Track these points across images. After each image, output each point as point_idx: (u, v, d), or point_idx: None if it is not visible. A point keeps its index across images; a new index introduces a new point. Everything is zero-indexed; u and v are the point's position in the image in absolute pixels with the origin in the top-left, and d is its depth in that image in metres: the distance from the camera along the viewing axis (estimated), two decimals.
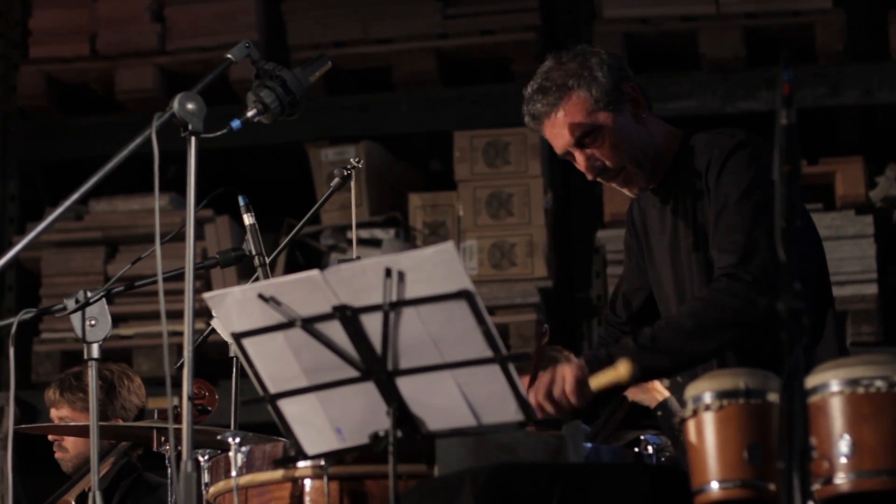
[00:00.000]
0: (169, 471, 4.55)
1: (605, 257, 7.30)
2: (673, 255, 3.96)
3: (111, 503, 5.47)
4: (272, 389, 3.36)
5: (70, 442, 5.57)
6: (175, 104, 3.43)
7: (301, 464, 3.46)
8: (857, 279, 7.04)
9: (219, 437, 3.63)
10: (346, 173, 4.51)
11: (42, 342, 7.57)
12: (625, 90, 3.90)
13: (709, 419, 3.07)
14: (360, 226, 7.47)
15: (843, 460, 2.94)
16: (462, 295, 3.15)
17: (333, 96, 7.75)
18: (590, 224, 7.42)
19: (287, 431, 3.40)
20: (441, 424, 3.30)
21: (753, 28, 7.38)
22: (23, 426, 5.09)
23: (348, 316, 3.21)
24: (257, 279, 4.29)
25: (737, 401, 3.06)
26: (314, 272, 3.20)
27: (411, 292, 3.17)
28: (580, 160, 3.94)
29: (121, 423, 5.47)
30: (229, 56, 3.66)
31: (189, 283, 3.35)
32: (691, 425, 3.10)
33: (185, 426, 3.29)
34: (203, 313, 5.79)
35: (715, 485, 3.05)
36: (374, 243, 7.45)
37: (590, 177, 3.96)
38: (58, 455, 5.61)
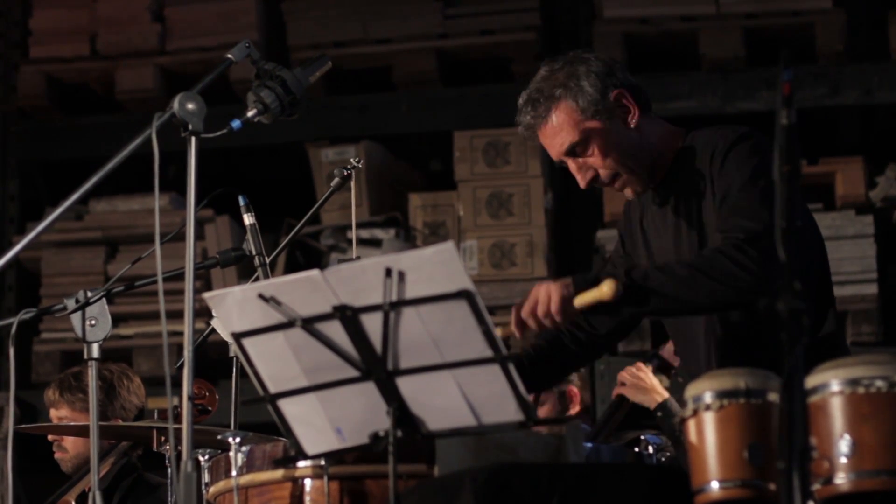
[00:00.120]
0: (169, 471, 4.55)
1: (605, 257, 7.30)
2: (676, 249, 3.96)
3: (111, 503, 5.47)
4: (272, 389, 3.36)
5: (70, 442, 5.57)
6: (175, 104, 3.43)
7: (301, 464, 3.47)
8: (857, 279, 7.05)
9: (219, 437, 3.63)
10: (346, 173, 4.51)
11: (42, 342, 7.57)
12: (613, 98, 3.90)
13: (709, 419, 3.07)
14: (360, 226, 7.47)
15: (844, 460, 2.94)
16: (462, 295, 3.15)
17: (333, 96, 7.75)
18: (590, 224, 7.42)
19: (287, 431, 3.40)
20: (441, 424, 3.30)
21: (753, 28, 7.38)
22: (23, 426, 5.09)
23: (348, 316, 3.21)
24: (257, 279, 4.29)
25: (737, 400, 3.06)
26: (314, 272, 3.20)
27: (411, 292, 3.17)
28: (573, 168, 3.97)
29: (120, 423, 5.47)
30: (229, 56, 3.66)
31: (189, 283, 3.35)
32: (691, 425, 3.10)
33: (185, 426, 3.29)
34: (203, 313, 5.79)
35: (715, 484, 3.05)
36: (374, 243, 7.45)
37: (583, 185, 3.99)
38: (57, 455, 5.60)
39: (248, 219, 4.36)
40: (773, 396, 3.04)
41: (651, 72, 7.33)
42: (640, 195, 4.02)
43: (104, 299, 3.88)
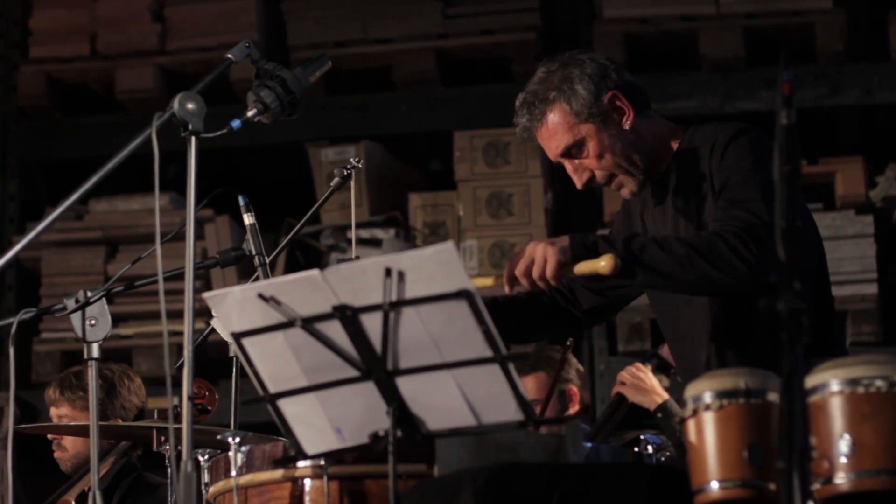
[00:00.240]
0: (169, 471, 4.56)
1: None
2: None
3: (111, 503, 5.47)
4: (272, 389, 3.36)
5: (69, 441, 5.57)
6: (175, 104, 3.43)
7: (301, 463, 3.47)
8: (857, 279, 7.05)
9: (219, 437, 3.63)
10: (346, 173, 4.51)
11: (42, 342, 7.57)
12: (607, 100, 3.92)
13: (709, 419, 3.07)
14: (360, 226, 7.47)
15: (843, 460, 2.94)
16: (462, 295, 3.15)
17: (333, 96, 7.75)
18: (590, 224, 7.41)
19: (287, 431, 3.40)
20: (441, 424, 3.30)
21: (753, 28, 7.38)
22: (23, 426, 5.09)
23: (348, 316, 3.21)
24: (257, 279, 4.29)
25: (737, 400, 3.06)
26: (314, 272, 3.20)
27: (411, 292, 3.17)
28: (569, 169, 4.01)
29: (121, 422, 5.47)
30: (229, 56, 3.67)
31: (189, 283, 3.35)
32: (691, 425, 3.10)
33: (185, 426, 3.29)
34: (203, 313, 5.79)
35: (715, 484, 3.05)
36: (374, 243, 7.45)
37: (579, 186, 4.02)
38: (57, 454, 5.61)
39: (248, 219, 4.36)
40: (773, 396, 3.04)
41: (651, 72, 7.33)
42: (637, 195, 4.03)
43: (104, 299, 3.88)
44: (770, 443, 2.99)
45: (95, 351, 3.88)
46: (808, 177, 6.97)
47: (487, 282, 3.79)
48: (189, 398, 3.30)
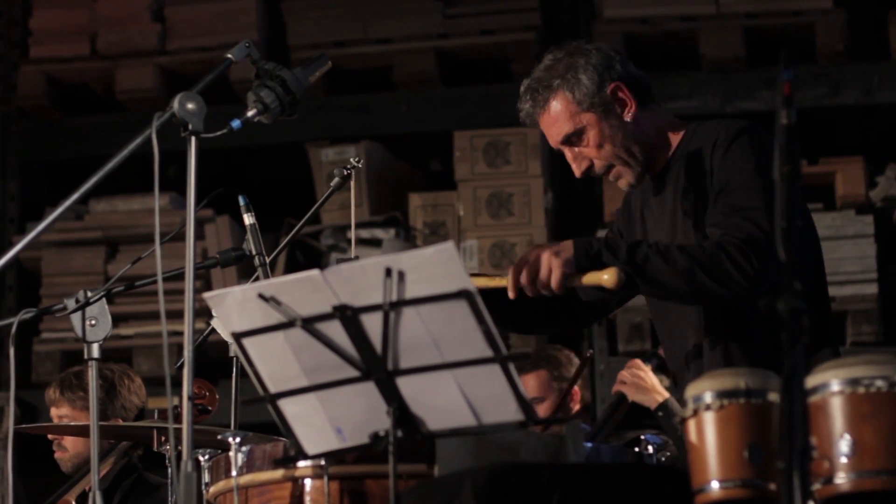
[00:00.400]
0: (169, 471, 4.55)
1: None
2: (670, 238, 3.97)
3: (111, 503, 5.47)
4: (272, 389, 3.36)
5: (69, 441, 5.57)
6: (175, 104, 3.43)
7: (301, 463, 3.47)
8: (857, 279, 7.05)
9: (219, 437, 3.63)
10: (346, 173, 4.51)
11: (42, 342, 7.57)
12: (609, 91, 3.95)
13: (709, 419, 3.07)
14: (360, 226, 7.47)
15: (844, 460, 2.94)
16: (462, 295, 3.15)
17: (333, 96, 7.75)
18: (590, 224, 7.41)
19: (287, 431, 3.40)
20: (441, 424, 3.30)
21: (753, 28, 7.38)
22: (23, 426, 5.09)
23: (348, 316, 3.21)
24: (257, 279, 4.29)
25: (737, 400, 3.06)
26: (314, 272, 3.20)
27: (411, 292, 3.17)
28: (569, 157, 4.04)
29: (121, 422, 5.47)
30: (229, 56, 3.67)
31: (189, 283, 3.35)
32: (692, 425, 3.10)
33: (185, 426, 3.29)
34: (203, 313, 5.79)
35: (715, 484, 3.05)
36: (375, 243, 7.45)
37: (577, 174, 4.04)
38: (57, 455, 5.61)
39: (248, 219, 4.36)
40: (774, 396, 3.04)
41: (651, 72, 7.28)
42: (634, 187, 4.05)
43: (104, 299, 3.88)
44: (770, 443, 2.99)
45: (96, 351, 3.87)
46: (808, 177, 6.97)
47: (488, 282, 3.80)
48: (189, 398, 3.30)
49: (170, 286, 3.44)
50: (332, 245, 7.58)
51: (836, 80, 7.35)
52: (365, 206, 7.58)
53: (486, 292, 3.28)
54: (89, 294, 3.86)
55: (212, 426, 4.36)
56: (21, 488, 5.43)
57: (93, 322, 3.86)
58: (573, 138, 3.98)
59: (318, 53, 3.88)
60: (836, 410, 2.97)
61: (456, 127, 7.53)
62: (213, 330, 4.10)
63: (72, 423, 5.44)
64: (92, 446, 3.85)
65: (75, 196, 3.57)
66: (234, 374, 4.44)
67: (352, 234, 5.54)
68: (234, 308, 3.30)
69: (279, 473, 3.51)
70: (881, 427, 2.94)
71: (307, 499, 3.48)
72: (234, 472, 3.56)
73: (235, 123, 3.57)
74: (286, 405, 3.36)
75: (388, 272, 3.16)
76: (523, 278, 3.69)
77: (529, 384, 5.58)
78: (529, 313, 4.17)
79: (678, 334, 4.00)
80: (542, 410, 5.56)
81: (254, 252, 4.32)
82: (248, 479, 3.56)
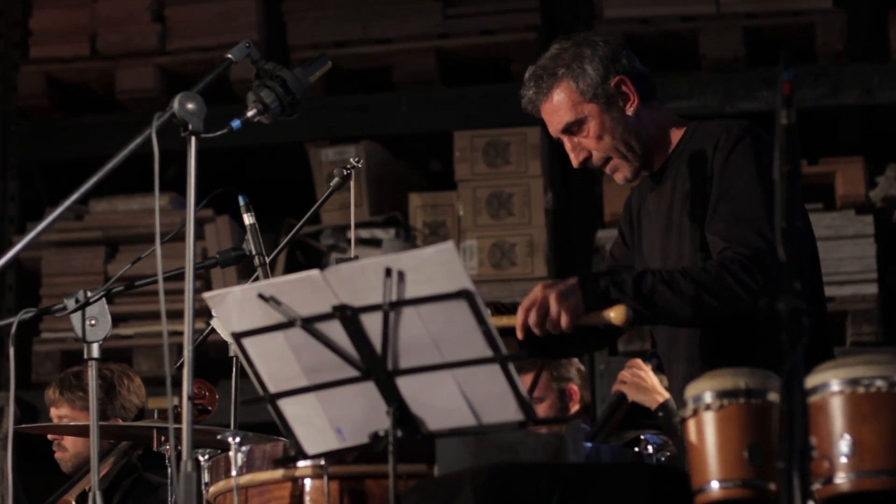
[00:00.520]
0: (169, 471, 4.56)
1: (606, 257, 7.29)
2: (664, 236, 3.98)
3: (111, 503, 5.47)
4: (272, 389, 3.36)
5: (69, 441, 5.57)
6: (175, 104, 3.43)
7: (301, 463, 3.47)
8: (857, 279, 7.04)
9: (219, 437, 3.63)
10: (345, 173, 4.51)
11: (42, 342, 7.57)
12: (613, 84, 3.97)
13: (709, 419, 3.07)
14: (359, 226, 7.47)
15: (844, 460, 2.94)
16: (462, 295, 3.15)
17: (333, 96, 7.75)
18: (590, 224, 7.41)
19: (287, 431, 3.40)
20: (441, 424, 3.30)
21: (753, 28, 7.38)
22: (23, 426, 5.09)
23: (348, 316, 3.21)
24: (257, 279, 4.29)
25: (737, 400, 3.06)
26: (314, 272, 3.20)
27: (411, 292, 3.17)
28: (567, 147, 4.05)
29: (121, 422, 5.47)
30: (229, 56, 3.67)
31: (189, 283, 3.35)
32: (691, 425, 3.10)
33: (185, 426, 3.29)
34: (203, 313, 5.78)
35: (715, 484, 3.05)
36: (374, 243, 7.45)
37: (575, 164, 4.05)
38: (57, 455, 5.61)
39: (248, 219, 4.36)
40: (773, 396, 3.04)
41: (651, 72, 7.30)
42: (630, 181, 4.06)
43: (104, 299, 3.88)
44: (770, 443, 2.99)
45: (95, 351, 3.87)
46: (808, 177, 6.97)
47: (496, 321, 3.78)
48: (189, 398, 3.30)
49: (170, 286, 3.44)
50: (331, 245, 7.57)
51: (836, 80, 7.35)
52: (365, 206, 7.58)
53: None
54: (89, 294, 3.86)
55: (212, 426, 4.36)
56: (21, 488, 5.43)
57: (93, 322, 3.86)
58: (574, 128, 3.99)
59: (318, 53, 3.89)
60: (836, 410, 2.97)
61: (456, 127, 7.53)
62: (213, 330, 4.10)
63: (72, 424, 5.44)
64: (92, 446, 3.85)
65: (75, 196, 3.57)
66: (234, 374, 4.44)
67: (352, 235, 5.55)
68: (234, 308, 3.30)
69: (279, 473, 3.51)
70: (881, 427, 2.94)
71: (307, 499, 3.48)
72: (233, 472, 3.56)
73: (235, 123, 3.57)
74: (286, 405, 3.36)
75: (388, 272, 3.16)
76: (531, 319, 3.70)
77: (529, 384, 5.58)
78: (561, 342, 4.18)
79: (675, 334, 4.00)
80: (542, 410, 5.55)
81: (254, 252, 4.32)
82: (247, 479, 3.56)
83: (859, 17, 7.63)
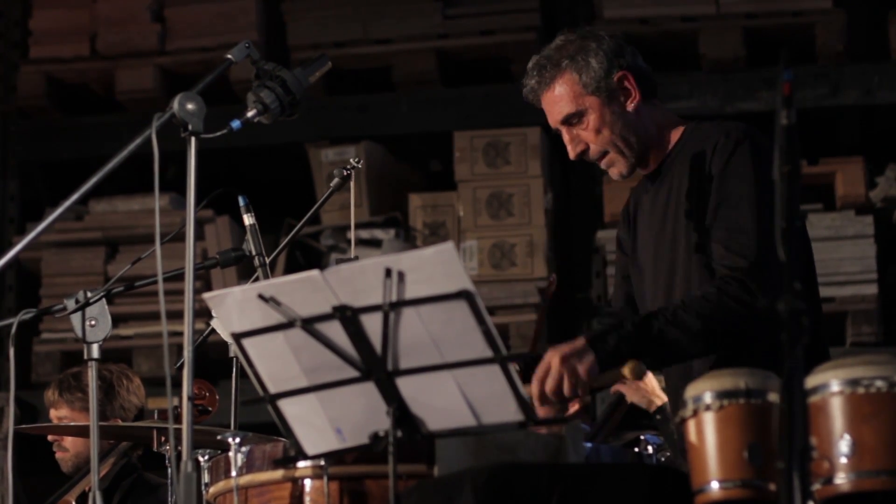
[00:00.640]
0: (169, 471, 4.56)
1: (605, 257, 7.30)
2: (657, 235, 3.99)
3: (111, 503, 5.47)
4: (272, 389, 3.36)
5: (70, 442, 5.57)
6: (175, 104, 3.43)
7: (301, 464, 3.47)
8: (857, 279, 7.04)
9: (219, 437, 3.63)
10: (346, 173, 4.51)
11: (42, 342, 7.57)
12: (616, 79, 3.98)
13: (709, 419, 3.07)
14: (359, 226, 7.47)
15: (844, 460, 2.94)
16: (462, 295, 3.15)
17: (333, 96, 7.75)
18: (590, 224, 7.41)
19: (287, 431, 3.40)
20: (441, 424, 3.30)
21: (753, 28, 7.38)
22: (23, 426, 5.09)
23: (348, 316, 3.21)
24: (257, 279, 4.29)
25: (737, 401, 3.06)
26: (314, 272, 3.20)
27: (411, 292, 3.17)
28: (566, 139, 4.06)
29: (120, 423, 5.47)
30: (229, 56, 3.67)
31: (189, 284, 3.36)
32: (691, 425, 3.10)
33: (185, 426, 3.29)
34: (203, 313, 5.77)
35: (715, 485, 3.05)
36: (374, 243, 7.44)
37: (572, 156, 4.06)
38: (58, 455, 5.61)
39: (248, 219, 4.36)
40: (773, 396, 3.04)
41: (651, 72, 7.32)
42: (625, 177, 4.07)
43: (104, 299, 3.88)
44: (770, 443, 2.99)
45: (95, 351, 3.87)
46: (808, 177, 6.97)
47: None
48: (189, 398, 3.30)
49: (170, 286, 3.44)
50: (331, 245, 7.57)
51: (836, 80, 7.35)
52: (365, 206, 7.58)
53: None
54: (89, 294, 3.86)
55: (212, 426, 4.35)
56: (21, 488, 5.43)
57: (92, 322, 3.85)
58: (573, 119, 4.00)
59: (318, 54, 3.89)
60: (836, 411, 2.97)
61: (456, 127, 7.52)
62: (213, 330, 4.10)
63: (71, 424, 5.44)
64: (92, 446, 3.85)
65: (75, 196, 3.57)
66: (234, 375, 4.44)
67: (352, 235, 5.55)
68: (234, 308, 3.30)
69: (279, 474, 3.51)
70: (881, 427, 2.94)
71: (307, 499, 3.48)
72: (233, 473, 3.56)
73: (235, 124, 3.57)
74: (286, 405, 3.36)
75: (388, 272, 3.16)
76: (549, 388, 3.71)
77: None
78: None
79: None
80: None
81: (254, 252, 4.32)
82: (247, 479, 3.56)
83: (859, 17, 7.62)
